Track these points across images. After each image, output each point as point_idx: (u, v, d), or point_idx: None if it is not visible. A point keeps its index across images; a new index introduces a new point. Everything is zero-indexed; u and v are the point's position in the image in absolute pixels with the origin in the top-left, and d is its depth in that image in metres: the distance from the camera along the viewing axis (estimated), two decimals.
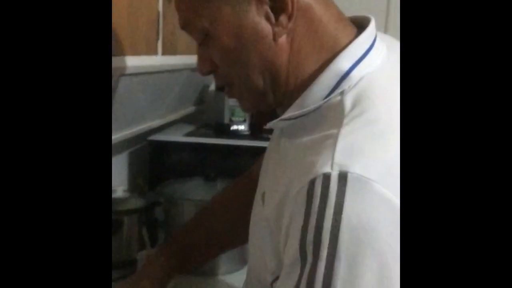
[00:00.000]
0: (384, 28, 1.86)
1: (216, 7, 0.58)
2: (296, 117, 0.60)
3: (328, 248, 0.49)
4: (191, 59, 1.36)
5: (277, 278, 0.59)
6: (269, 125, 0.65)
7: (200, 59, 0.65)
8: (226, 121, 1.65)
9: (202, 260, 0.98)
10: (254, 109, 0.68)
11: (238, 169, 1.52)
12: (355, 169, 0.49)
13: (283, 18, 0.58)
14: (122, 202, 1.29)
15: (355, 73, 0.58)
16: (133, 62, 0.94)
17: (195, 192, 1.31)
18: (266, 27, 0.59)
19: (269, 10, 0.58)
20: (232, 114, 1.64)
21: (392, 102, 0.55)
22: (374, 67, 0.59)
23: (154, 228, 1.30)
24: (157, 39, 1.03)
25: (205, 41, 0.62)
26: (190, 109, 1.78)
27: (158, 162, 1.58)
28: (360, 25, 0.63)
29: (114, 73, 0.88)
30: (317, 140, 0.55)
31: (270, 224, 0.61)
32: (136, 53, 0.95)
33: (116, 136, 1.26)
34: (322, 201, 0.49)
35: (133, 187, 1.59)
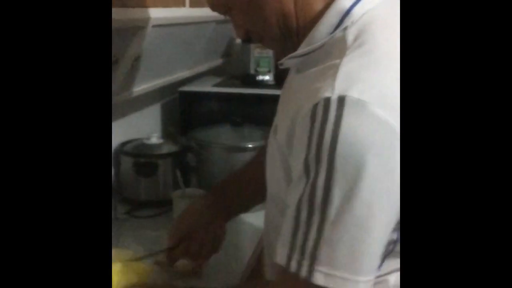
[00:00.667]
0: None
1: None
2: (304, 54, 0.66)
3: (328, 163, 0.55)
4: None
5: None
6: (280, 63, 0.71)
7: (235, 28, 0.74)
8: (252, 71, 1.72)
9: (246, 206, 1.03)
10: (283, 54, 0.72)
11: (263, 116, 1.61)
12: (353, 93, 0.54)
13: None
14: (157, 147, 1.40)
15: (356, 10, 0.63)
16: (162, 13, 1.02)
17: (224, 137, 1.41)
18: None
19: None
20: (258, 65, 1.71)
21: (391, 33, 0.60)
22: (374, 4, 0.64)
23: (186, 171, 1.40)
24: None
25: (227, 12, 0.71)
26: (217, 61, 1.86)
27: (188, 111, 1.68)
28: None
29: (146, 24, 0.96)
30: (321, 71, 0.61)
31: (282, 151, 0.68)
32: (165, 4, 1.02)
33: (148, 86, 1.35)
34: (323, 122, 0.55)
35: (166, 134, 1.69)
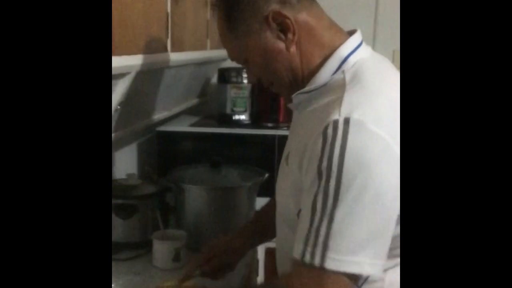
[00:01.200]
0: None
1: (245, 41, 0.86)
2: (311, 90, 0.84)
3: (337, 170, 0.71)
4: (196, 55, 1.47)
5: (300, 210, 0.80)
6: (292, 100, 0.88)
7: (248, 74, 0.96)
8: (228, 111, 1.75)
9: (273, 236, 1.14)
10: (289, 97, 0.89)
11: (241, 156, 1.64)
12: (355, 115, 0.72)
13: (289, 35, 0.83)
14: (136, 188, 1.40)
15: (351, 59, 0.83)
16: (146, 59, 1.04)
17: (203, 178, 1.41)
18: (280, 44, 0.84)
19: (279, 33, 0.84)
20: (234, 105, 1.75)
21: (378, 75, 0.81)
22: (364, 56, 0.84)
23: (165, 211, 1.40)
24: (167, 37, 1.14)
25: (245, 63, 0.90)
26: (194, 101, 1.88)
27: (166, 150, 1.68)
28: (350, 32, 0.89)
29: (131, 70, 0.98)
30: (326, 103, 0.79)
31: (294, 172, 0.81)
32: (149, 51, 1.05)
33: (127, 129, 1.37)
34: (333, 138, 0.72)
35: (143, 174, 1.69)
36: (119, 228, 1.35)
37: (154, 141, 1.71)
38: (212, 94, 1.98)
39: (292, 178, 0.82)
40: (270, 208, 1.12)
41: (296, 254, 0.75)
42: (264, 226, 1.11)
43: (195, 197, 1.37)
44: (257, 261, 1.53)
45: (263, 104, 1.76)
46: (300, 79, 0.86)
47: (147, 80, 1.16)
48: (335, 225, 0.71)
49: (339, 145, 0.71)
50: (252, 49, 0.85)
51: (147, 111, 1.43)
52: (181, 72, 1.43)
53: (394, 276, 0.83)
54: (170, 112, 1.62)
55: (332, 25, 0.88)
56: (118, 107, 1.05)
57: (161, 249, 1.26)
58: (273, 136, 1.65)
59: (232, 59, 0.92)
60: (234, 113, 1.75)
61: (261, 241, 1.18)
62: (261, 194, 1.43)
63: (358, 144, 0.71)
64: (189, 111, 1.92)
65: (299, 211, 0.80)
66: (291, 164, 0.83)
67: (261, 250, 1.55)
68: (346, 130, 0.72)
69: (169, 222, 1.43)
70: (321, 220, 0.72)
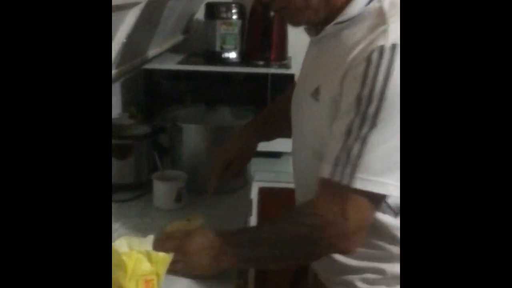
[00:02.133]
0: None
1: None
2: (344, 21, 0.82)
3: (379, 95, 0.73)
4: None
5: None
6: (322, 32, 0.85)
7: (273, 0, 0.86)
8: (218, 49, 1.69)
9: (279, 135, 1.22)
10: (306, 24, 0.88)
11: (232, 95, 1.60)
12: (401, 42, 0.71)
13: None
14: (129, 128, 1.35)
15: None
16: None
17: (198, 118, 1.38)
18: None
19: None
20: (223, 42, 1.68)
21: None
22: None
23: (160, 153, 1.36)
24: None
25: None
26: (178, 38, 1.80)
27: (153, 90, 1.62)
28: None
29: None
30: (367, 32, 0.78)
31: (331, 104, 0.80)
32: None
33: (121, 68, 1.29)
34: (378, 65, 0.73)
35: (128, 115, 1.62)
36: (114, 169, 1.31)
37: (140, 80, 1.63)
38: (196, 30, 1.89)
39: (328, 112, 0.81)
40: (277, 107, 1.18)
41: (325, 173, 0.78)
42: (272, 123, 1.15)
43: (193, 137, 1.33)
44: (251, 200, 1.53)
45: (253, 42, 1.70)
46: (332, 4, 0.83)
47: (150, 13, 1.09)
48: (368, 147, 0.74)
49: (384, 70, 0.72)
50: None
51: (140, 50, 1.35)
52: (173, 5, 1.35)
53: (396, 269, 0.85)
54: (158, 51, 1.54)
55: None
56: (124, 40, 0.98)
57: (162, 190, 1.23)
58: (266, 75, 1.61)
59: None
60: (224, 50, 1.69)
61: (267, 138, 1.21)
62: None
63: (400, 77, 0.70)
64: (173, 49, 1.84)
65: None
66: (324, 97, 0.82)
67: (254, 190, 1.54)
68: (393, 57, 0.72)
69: (163, 163, 1.39)
70: (354, 142, 0.75)
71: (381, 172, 0.75)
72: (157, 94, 1.63)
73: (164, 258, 0.80)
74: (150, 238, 0.82)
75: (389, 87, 0.72)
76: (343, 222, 0.77)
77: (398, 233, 0.83)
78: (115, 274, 0.77)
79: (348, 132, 0.76)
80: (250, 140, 1.18)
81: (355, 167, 0.75)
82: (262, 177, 1.53)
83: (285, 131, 1.13)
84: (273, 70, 1.62)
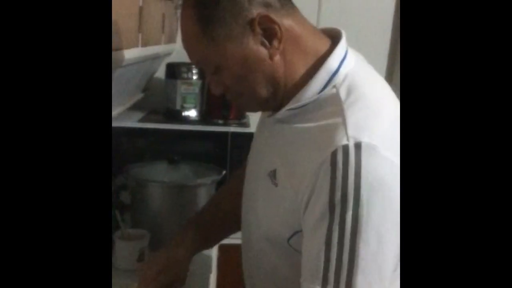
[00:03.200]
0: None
1: (223, 46, 0.75)
2: (297, 108, 0.77)
3: (354, 200, 0.66)
4: (156, 49, 1.44)
5: (295, 233, 0.76)
6: (274, 115, 0.81)
7: (212, 84, 0.82)
8: (178, 107, 1.73)
9: (219, 237, 1.12)
10: (257, 111, 0.87)
11: (193, 152, 1.63)
12: (365, 139, 0.67)
13: (275, 42, 0.75)
14: None
15: (341, 70, 0.76)
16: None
17: (160, 175, 1.39)
18: (263, 51, 0.76)
19: (263, 39, 0.75)
20: (184, 101, 1.73)
21: (373, 88, 0.76)
22: (352, 64, 0.78)
23: (121, 210, 1.36)
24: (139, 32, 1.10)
25: (216, 71, 0.79)
26: (139, 96, 1.83)
27: (115, 148, 1.62)
28: (329, 34, 0.82)
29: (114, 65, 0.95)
30: (324, 125, 0.72)
31: (287, 195, 0.75)
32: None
33: None
34: (345, 165, 0.67)
35: None
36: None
37: None
38: (156, 89, 1.93)
39: (285, 200, 0.76)
40: (211, 209, 1.07)
41: None
42: (206, 230, 1.04)
43: (154, 194, 1.34)
44: (210, 258, 1.53)
45: (213, 101, 1.76)
46: (281, 93, 0.78)
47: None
48: (360, 260, 0.67)
49: (352, 172, 0.66)
50: (230, 55, 0.75)
51: None
52: (135, 70, 1.39)
53: None
54: (121, 109, 1.57)
55: (315, 30, 0.81)
56: None
57: (124, 250, 1.22)
58: (226, 133, 1.66)
59: (198, 65, 0.83)
60: (184, 109, 1.73)
61: (203, 248, 1.08)
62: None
63: (373, 170, 0.66)
64: (132, 106, 1.86)
65: (292, 235, 0.76)
66: (283, 184, 0.77)
67: (214, 247, 1.55)
68: (359, 155, 0.66)
69: (124, 221, 1.39)
70: (340, 258, 0.67)
71: (382, 281, 0.68)
72: (118, 151, 1.63)
73: None
74: None
75: (362, 191, 0.66)
76: None
77: None
78: None
79: (328, 246, 0.68)
80: (181, 259, 1.00)
81: (349, 285, 0.67)
82: None
83: (225, 232, 1.09)
84: (232, 129, 1.68)
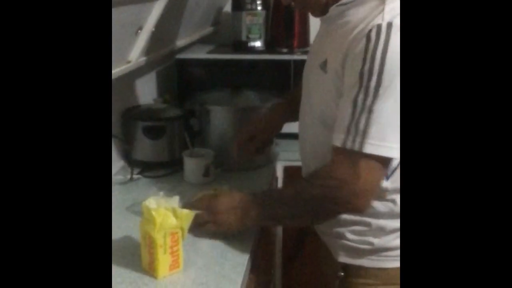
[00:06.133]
0: None
1: None
2: (347, 3, 0.92)
3: (379, 70, 0.82)
4: None
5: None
6: (329, 12, 0.95)
7: None
8: (244, 38, 1.80)
9: None
10: (322, 15, 0.98)
11: (258, 81, 1.72)
12: (396, 21, 0.82)
13: None
14: (162, 111, 1.49)
15: None
16: None
17: (225, 101, 1.49)
18: None
19: None
20: (249, 31, 1.80)
21: None
22: None
23: (190, 135, 1.49)
24: None
25: None
26: (208, 30, 1.93)
27: (185, 78, 1.75)
28: None
29: None
30: (367, 13, 0.87)
31: (336, 75, 0.90)
32: None
33: (149, 57, 1.42)
34: (376, 40, 0.82)
35: (163, 101, 1.76)
36: (149, 149, 1.45)
37: (174, 68, 1.77)
38: (225, 22, 2.02)
39: (333, 83, 0.91)
40: (297, 90, 1.21)
41: (337, 142, 0.88)
42: (297, 104, 1.18)
43: (220, 118, 1.45)
44: (276, 178, 1.64)
45: (277, 31, 1.81)
46: None
47: (174, 5, 1.21)
48: (373, 117, 0.83)
49: (381, 46, 0.81)
50: None
51: (169, 39, 1.48)
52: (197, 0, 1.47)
53: (380, 222, 0.97)
54: (187, 41, 1.67)
55: None
56: (153, 29, 1.11)
57: (192, 166, 1.36)
58: (289, 61, 1.71)
59: None
60: (250, 40, 1.80)
61: (293, 118, 1.23)
62: None
63: (398, 48, 0.80)
64: (202, 40, 1.97)
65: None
66: (330, 69, 0.92)
67: (279, 168, 1.65)
68: (389, 34, 0.81)
69: (193, 143, 1.52)
70: (361, 113, 0.84)
71: (387, 138, 0.84)
72: (189, 81, 1.76)
73: (188, 214, 0.92)
74: (176, 198, 0.94)
75: (387, 62, 0.81)
76: (356, 182, 0.87)
77: (384, 193, 0.94)
78: (146, 226, 0.90)
79: (354, 105, 0.85)
80: (275, 119, 1.29)
81: (364, 135, 0.84)
82: (287, 156, 1.62)
83: None
84: (295, 57, 1.73)
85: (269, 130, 1.30)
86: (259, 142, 1.29)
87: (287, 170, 1.66)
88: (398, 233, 0.96)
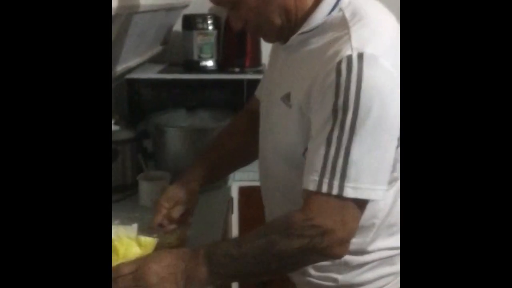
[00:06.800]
0: None
1: None
2: (307, 31, 0.86)
3: (354, 104, 0.75)
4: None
5: (307, 148, 0.84)
6: (287, 43, 0.89)
7: (232, 19, 0.91)
8: (195, 58, 1.79)
9: (224, 172, 1.24)
10: (276, 41, 0.94)
11: (210, 101, 1.70)
12: (368, 49, 0.76)
13: None
14: (114, 134, 1.43)
15: None
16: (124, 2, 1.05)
17: (180, 122, 1.47)
18: None
19: None
20: (201, 51, 1.78)
21: (375, 9, 0.84)
22: None
23: (144, 156, 1.45)
24: None
25: (234, 6, 0.87)
26: (158, 48, 1.89)
27: (136, 98, 1.71)
28: None
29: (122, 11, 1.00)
30: (331, 41, 0.81)
31: (300, 110, 0.84)
32: None
33: None
34: (348, 73, 0.75)
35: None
36: None
37: (124, 88, 1.72)
38: (174, 41, 1.99)
39: (298, 118, 0.85)
40: (216, 148, 1.13)
41: (310, 186, 0.79)
42: (213, 167, 1.11)
43: (175, 139, 1.43)
44: (232, 198, 1.62)
45: (229, 50, 1.80)
46: (293, 20, 0.87)
47: (121, 26, 1.18)
48: (353, 157, 0.76)
49: (355, 80, 0.75)
50: None
51: (117, 60, 1.44)
52: (149, 19, 1.45)
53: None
54: (138, 61, 1.63)
55: None
56: None
57: (148, 189, 1.32)
58: (241, 81, 1.71)
59: (218, 3, 0.90)
60: (201, 59, 1.79)
61: (210, 183, 1.14)
62: None
63: (373, 78, 0.75)
64: (153, 59, 1.93)
65: (306, 149, 0.84)
66: (297, 103, 0.85)
67: (234, 189, 1.64)
68: (361, 64, 0.75)
69: (147, 166, 1.48)
70: (337, 153, 0.77)
71: (370, 179, 0.77)
72: (140, 102, 1.72)
73: (151, 241, 0.89)
74: (135, 226, 0.90)
75: (362, 96, 0.75)
76: (342, 229, 0.79)
77: None
78: None
79: (328, 143, 0.77)
80: (196, 193, 1.09)
81: (343, 178, 0.76)
82: (242, 176, 1.61)
83: (230, 168, 1.21)
84: (248, 76, 1.73)
85: (191, 201, 1.07)
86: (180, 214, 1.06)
87: (243, 190, 1.65)
88: (364, 269, 0.94)
